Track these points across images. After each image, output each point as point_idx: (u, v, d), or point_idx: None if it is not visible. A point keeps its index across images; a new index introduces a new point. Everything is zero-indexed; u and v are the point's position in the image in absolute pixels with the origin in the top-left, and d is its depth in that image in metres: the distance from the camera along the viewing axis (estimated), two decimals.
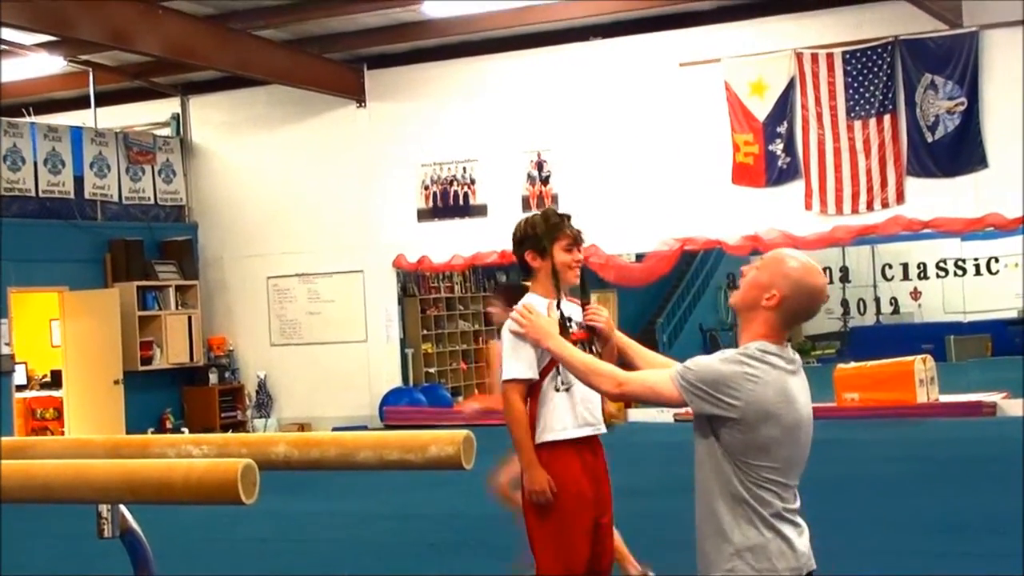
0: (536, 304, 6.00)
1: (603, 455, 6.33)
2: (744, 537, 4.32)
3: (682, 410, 20.01)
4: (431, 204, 21.35)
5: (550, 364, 6.06)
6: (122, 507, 3.74)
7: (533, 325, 5.25)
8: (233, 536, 11.65)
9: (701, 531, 4.45)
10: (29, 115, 21.58)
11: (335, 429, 18.94)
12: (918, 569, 8.71)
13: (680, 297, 34.53)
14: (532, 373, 6.09)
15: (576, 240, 6.31)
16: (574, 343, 5.72)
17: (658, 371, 4.70)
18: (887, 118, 18.47)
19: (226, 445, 3.87)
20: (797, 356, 4.42)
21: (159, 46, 18.49)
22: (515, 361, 6.11)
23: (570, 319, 6.15)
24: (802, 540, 4.39)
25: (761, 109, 19.16)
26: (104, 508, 3.70)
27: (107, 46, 19.03)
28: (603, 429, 6.32)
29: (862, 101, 18.57)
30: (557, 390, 6.11)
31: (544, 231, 6.26)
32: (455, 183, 21.18)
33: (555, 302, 6.16)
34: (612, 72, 20.02)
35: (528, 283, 6.49)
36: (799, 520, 4.40)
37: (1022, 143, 17.71)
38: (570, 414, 6.13)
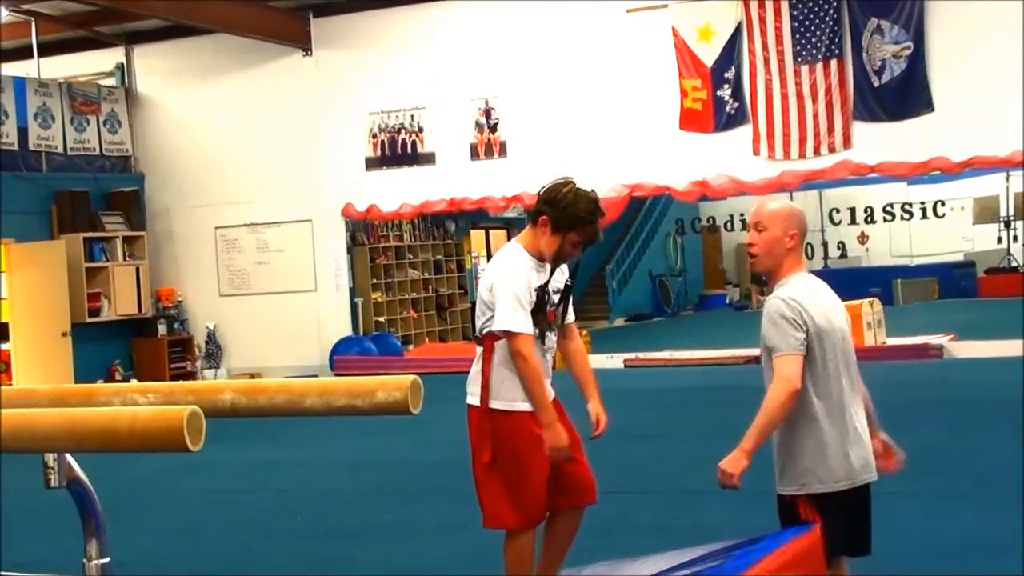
0: (520, 262, 6.11)
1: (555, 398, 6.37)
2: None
3: (632, 355, 20.17)
4: (379, 152, 21.26)
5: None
6: (68, 456, 3.72)
7: None
8: (184, 487, 11.64)
9: None
10: None
11: (286, 378, 18.91)
12: None
13: (629, 243, 34.64)
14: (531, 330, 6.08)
15: (589, 242, 6.28)
16: (541, 321, 6.09)
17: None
18: (834, 63, 18.50)
19: (172, 393, 3.85)
20: None
21: None
22: (521, 312, 6.03)
23: (546, 291, 6.16)
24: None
25: (709, 55, 19.15)
26: (50, 458, 3.68)
27: None
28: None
29: (808, 46, 18.60)
30: None
31: (574, 216, 6.14)
32: (403, 131, 21.09)
33: (537, 266, 6.16)
34: (560, 18, 19.95)
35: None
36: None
37: (967, 87, 17.80)
38: None
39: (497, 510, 6.19)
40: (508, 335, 6.03)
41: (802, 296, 5.28)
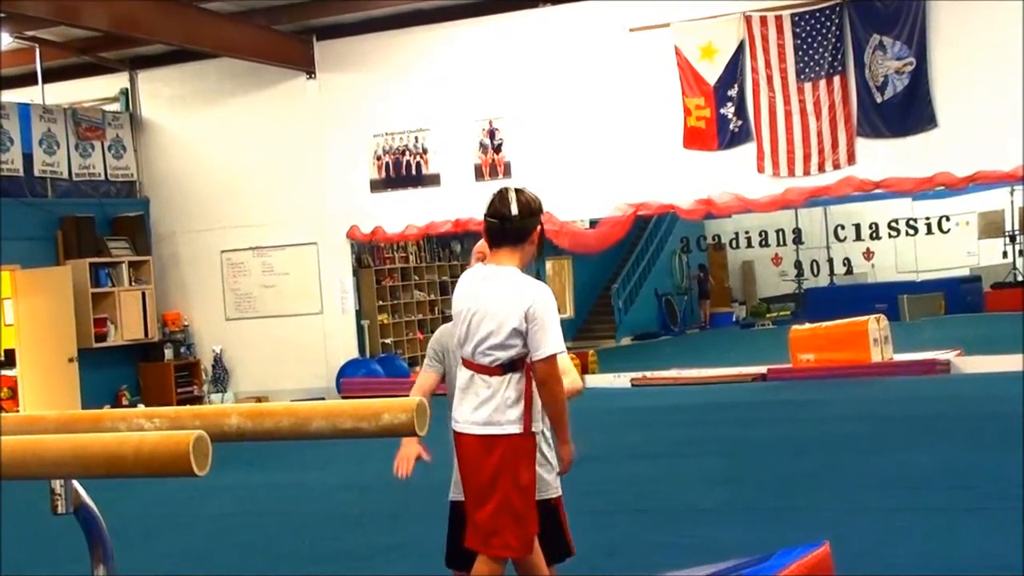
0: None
1: None
2: None
3: (639, 375, 20.16)
4: (384, 174, 21.28)
5: None
6: (75, 483, 3.71)
7: None
8: (193, 511, 11.62)
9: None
10: None
11: (292, 402, 18.90)
12: (876, 524, 8.77)
13: (635, 262, 34.60)
14: None
15: None
16: None
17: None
18: (837, 79, 18.52)
19: (178, 418, 3.84)
20: None
21: (106, 21, 18.34)
22: (559, 334, 5.73)
23: None
24: None
25: (712, 73, 19.17)
26: (57, 484, 3.67)
27: (53, 21, 18.88)
28: None
29: (811, 63, 18.61)
30: None
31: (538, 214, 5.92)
32: (407, 153, 21.12)
33: None
34: (562, 38, 19.98)
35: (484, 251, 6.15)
36: None
37: (970, 102, 17.80)
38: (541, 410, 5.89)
39: (528, 537, 5.88)
40: (553, 359, 5.68)
41: None
